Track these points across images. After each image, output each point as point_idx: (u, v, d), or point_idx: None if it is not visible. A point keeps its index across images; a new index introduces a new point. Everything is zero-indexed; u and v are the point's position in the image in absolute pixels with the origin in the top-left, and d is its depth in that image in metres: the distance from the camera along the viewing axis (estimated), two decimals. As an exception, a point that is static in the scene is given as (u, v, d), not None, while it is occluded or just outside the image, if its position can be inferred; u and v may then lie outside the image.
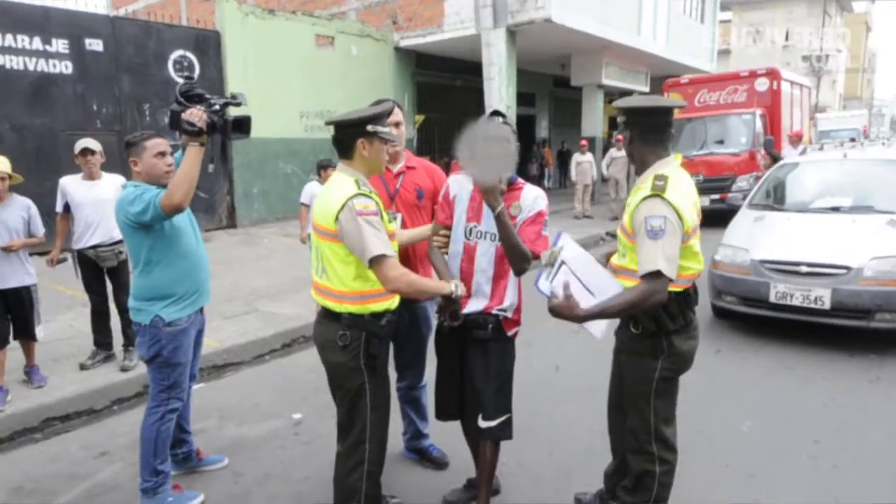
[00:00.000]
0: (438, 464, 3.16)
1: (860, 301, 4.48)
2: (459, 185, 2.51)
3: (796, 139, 11.87)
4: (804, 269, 4.68)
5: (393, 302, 2.33)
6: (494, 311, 2.47)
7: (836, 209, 5.48)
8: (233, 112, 2.72)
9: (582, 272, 2.19)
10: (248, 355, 4.97)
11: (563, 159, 18.09)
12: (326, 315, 2.30)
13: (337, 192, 2.17)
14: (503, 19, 9.94)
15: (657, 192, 2.11)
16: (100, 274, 4.51)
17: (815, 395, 3.94)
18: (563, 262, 2.19)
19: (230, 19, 10.42)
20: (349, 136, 2.23)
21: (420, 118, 13.85)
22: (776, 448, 3.28)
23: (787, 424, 3.55)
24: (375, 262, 2.11)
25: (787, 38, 37.21)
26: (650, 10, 15.37)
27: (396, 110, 2.74)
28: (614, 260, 2.39)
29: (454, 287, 2.28)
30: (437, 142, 14.08)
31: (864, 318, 4.51)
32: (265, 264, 7.97)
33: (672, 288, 2.16)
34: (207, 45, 10.24)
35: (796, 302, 4.66)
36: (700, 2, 19.04)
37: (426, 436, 3.23)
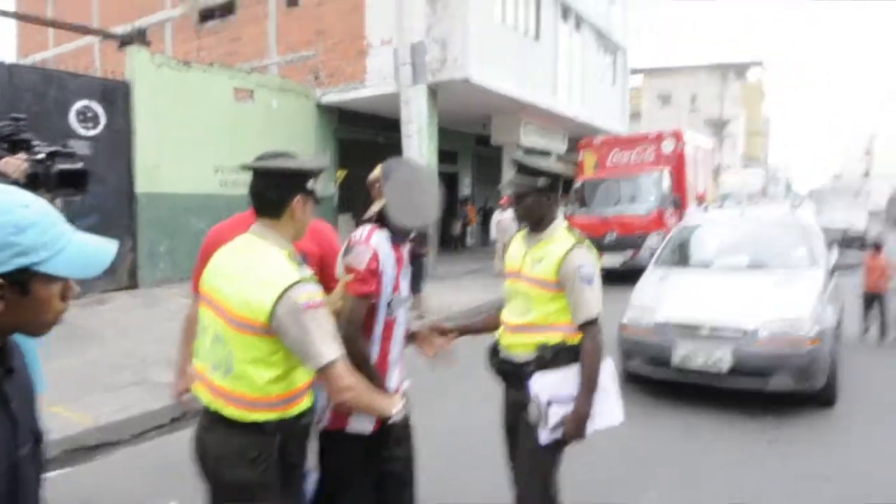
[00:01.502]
0: None
1: (757, 363, 4.59)
2: (385, 253, 2.09)
3: (700, 198, 12.58)
4: (705, 331, 4.79)
5: (312, 395, 1.92)
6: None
7: (734, 268, 5.71)
8: (70, 164, 2.38)
9: (562, 393, 2.19)
10: (128, 433, 4.51)
11: (487, 217, 18.39)
12: (220, 421, 1.77)
13: (267, 273, 1.70)
14: (422, 77, 10.13)
15: (581, 241, 2.25)
16: None
17: (718, 458, 3.96)
18: (548, 403, 2.18)
19: (142, 70, 10.07)
20: (284, 191, 1.79)
21: (342, 174, 13.76)
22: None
23: (687, 494, 3.52)
24: (327, 370, 1.70)
25: (692, 103, 40.19)
26: (565, 74, 16.16)
27: None
28: (511, 319, 2.34)
29: (395, 409, 1.92)
30: (358, 198, 13.97)
31: (761, 381, 4.60)
32: (166, 327, 7.42)
33: (572, 339, 2.20)
34: (115, 95, 9.82)
35: (698, 364, 4.72)
36: (611, 67, 20.28)
37: None
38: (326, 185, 12.78)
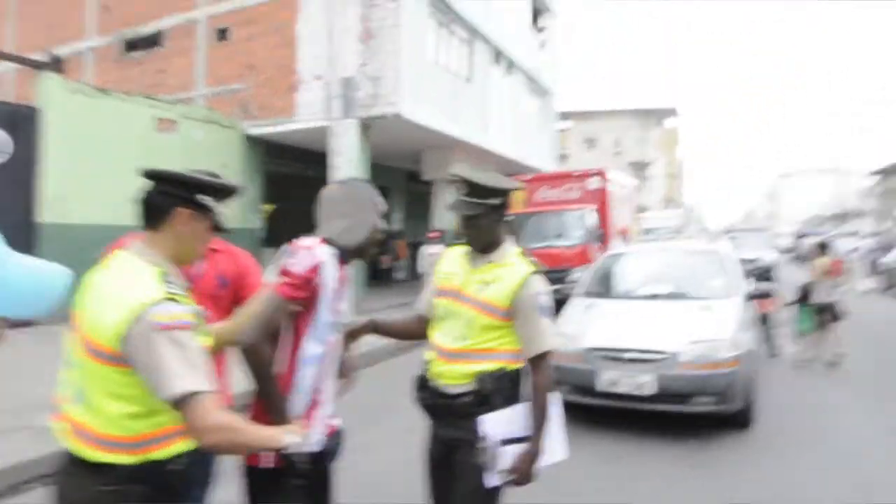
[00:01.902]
0: None
1: (680, 386, 4.67)
2: (329, 268, 1.88)
3: (623, 233, 13.04)
4: (629, 355, 4.86)
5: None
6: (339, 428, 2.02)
7: (656, 296, 5.87)
8: None
9: (513, 432, 2.05)
10: (5, 483, 4.04)
11: (416, 251, 18.37)
12: (76, 464, 1.54)
13: (126, 291, 1.49)
14: (353, 111, 10.15)
15: (537, 268, 2.11)
16: None
17: (644, 484, 3.95)
18: (500, 444, 2.03)
19: (53, 95, 9.57)
20: (167, 198, 1.60)
21: (269, 207, 13.45)
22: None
23: None
24: (181, 403, 1.42)
25: (616, 146, 42.15)
26: (496, 114, 16.59)
27: None
28: (445, 343, 2.13)
29: (289, 438, 1.62)
30: (285, 232, 13.65)
31: (684, 403, 4.69)
32: (57, 367, 6.86)
33: (514, 364, 2.09)
34: (20, 121, 9.24)
35: (623, 389, 4.77)
36: (541, 110, 21.02)
37: None
38: (249, 217, 12.42)
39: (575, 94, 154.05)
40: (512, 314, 2.08)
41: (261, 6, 12.90)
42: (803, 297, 7.49)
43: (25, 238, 9.32)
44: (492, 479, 2.03)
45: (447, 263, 2.31)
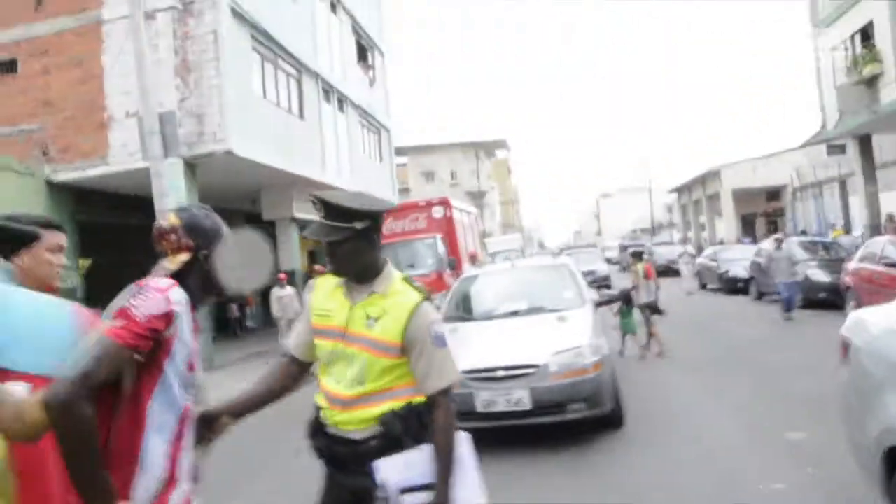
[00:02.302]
0: None
1: (553, 396, 4.67)
2: (184, 317, 1.54)
3: (472, 258, 13.32)
4: (501, 373, 4.76)
5: None
6: None
7: (515, 313, 5.89)
8: None
9: (415, 479, 1.78)
10: None
11: (265, 295, 17.32)
12: None
13: None
14: (175, 149, 9.25)
15: (426, 295, 1.92)
16: None
17: (530, 499, 3.83)
18: (400, 492, 1.76)
19: None
20: None
21: (85, 262, 11.80)
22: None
23: None
24: None
25: (452, 178, 43.80)
26: (332, 149, 16.29)
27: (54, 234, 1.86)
28: (341, 391, 1.86)
29: None
30: (108, 288, 12.07)
31: (560, 412, 4.69)
32: None
33: (417, 399, 1.86)
34: None
35: (500, 407, 4.66)
36: (377, 145, 21.09)
37: None
38: (63, 275, 10.79)
39: (410, 128, 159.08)
40: (406, 349, 1.85)
41: (55, 35, 11.43)
42: (627, 300, 8.19)
43: None
44: None
45: (320, 298, 2.01)
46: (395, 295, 1.91)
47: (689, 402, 5.90)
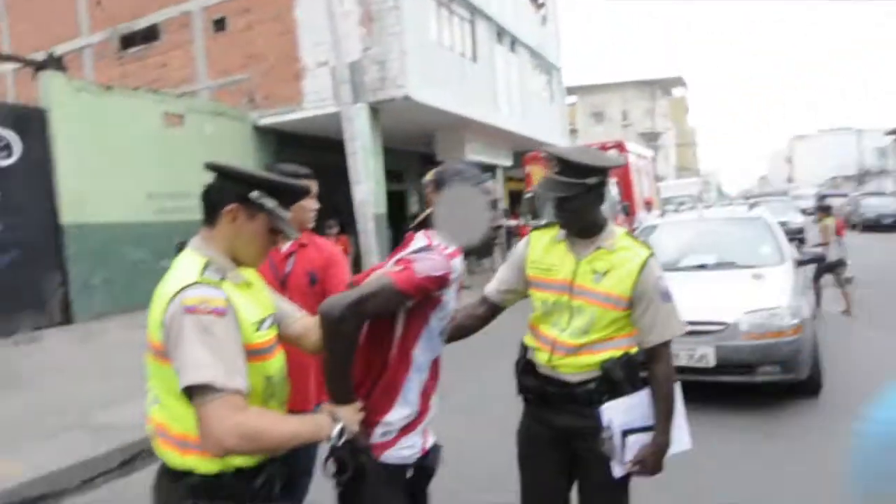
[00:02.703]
0: None
1: (742, 356, 4.44)
2: (457, 274, 1.69)
3: (648, 205, 12.72)
4: (686, 328, 4.59)
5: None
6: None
7: (702, 266, 5.58)
8: None
9: (636, 422, 1.92)
10: (75, 480, 3.97)
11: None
12: (166, 473, 1.46)
13: (171, 282, 1.41)
14: (362, 96, 9.85)
15: (653, 252, 1.96)
16: None
17: (706, 456, 3.70)
18: (623, 434, 1.89)
19: (58, 95, 9.33)
20: (222, 193, 1.50)
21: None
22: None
23: (675, 490, 3.25)
24: (196, 395, 1.30)
25: (624, 119, 41.55)
26: (504, 92, 16.24)
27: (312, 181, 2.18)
28: (566, 339, 1.94)
29: (337, 429, 1.49)
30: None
31: (748, 374, 4.46)
32: (106, 365, 6.72)
33: (633, 348, 1.95)
34: (30, 123, 9.04)
35: (682, 362, 4.52)
36: (548, 86, 20.60)
37: None
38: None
39: (580, 68, 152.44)
40: (634, 303, 1.92)
41: (256, -6, 12.56)
42: (820, 258, 7.38)
43: (53, 240, 9.18)
44: (616, 470, 1.90)
45: (539, 252, 2.08)
46: (623, 250, 1.95)
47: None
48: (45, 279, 9.11)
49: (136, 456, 4.32)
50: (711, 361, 4.45)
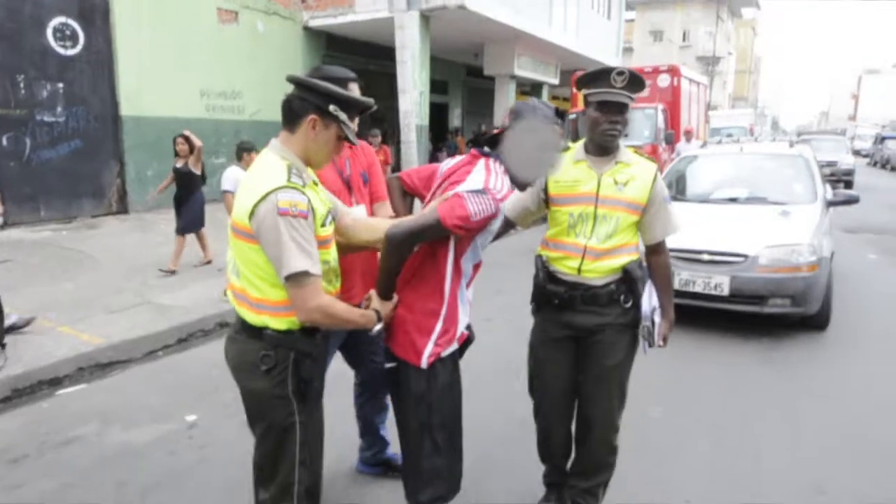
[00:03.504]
0: None
1: (755, 287, 4.70)
2: (503, 211, 1.98)
3: (688, 134, 12.53)
4: (706, 257, 4.86)
5: None
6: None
7: (733, 200, 5.75)
8: None
9: (653, 303, 2.37)
10: (139, 352, 4.55)
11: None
12: (243, 329, 1.83)
13: (261, 179, 1.71)
14: (417, 2, 9.78)
15: (657, 164, 2.33)
16: None
17: (716, 381, 4.08)
18: (651, 314, 2.34)
19: (119, -14, 9.54)
20: (304, 104, 1.77)
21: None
22: (682, 433, 3.35)
23: (689, 411, 3.64)
24: (293, 280, 1.67)
25: (684, 39, 39.41)
26: (561, 3, 15.69)
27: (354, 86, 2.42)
28: (594, 244, 2.25)
29: (377, 327, 1.90)
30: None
31: (759, 304, 4.74)
32: (160, 252, 7.38)
33: (637, 254, 2.33)
34: (94, 13, 9.32)
35: (698, 288, 4.83)
36: (606, 0, 19.70)
37: (389, 443, 2.91)
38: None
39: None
40: (646, 207, 2.27)
41: None
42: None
43: (112, 131, 9.71)
44: (646, 347, 2.36)
45: (559, 172, 2.31)
46: (636, 164, 2.28)
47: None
48: (104, 169, 9.68)
49: (191, 335, 4.92)
50: (725, 290, 4.73)
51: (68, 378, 4.12)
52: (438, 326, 1.96)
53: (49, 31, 8.84)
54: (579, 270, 2.29)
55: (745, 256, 4.75)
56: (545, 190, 2.37)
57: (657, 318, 2.36)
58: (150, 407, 3.71)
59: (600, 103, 2.18)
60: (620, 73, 2.15)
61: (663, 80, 13.02)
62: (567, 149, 2.35)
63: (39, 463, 3.10)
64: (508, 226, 2.49)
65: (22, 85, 8.65)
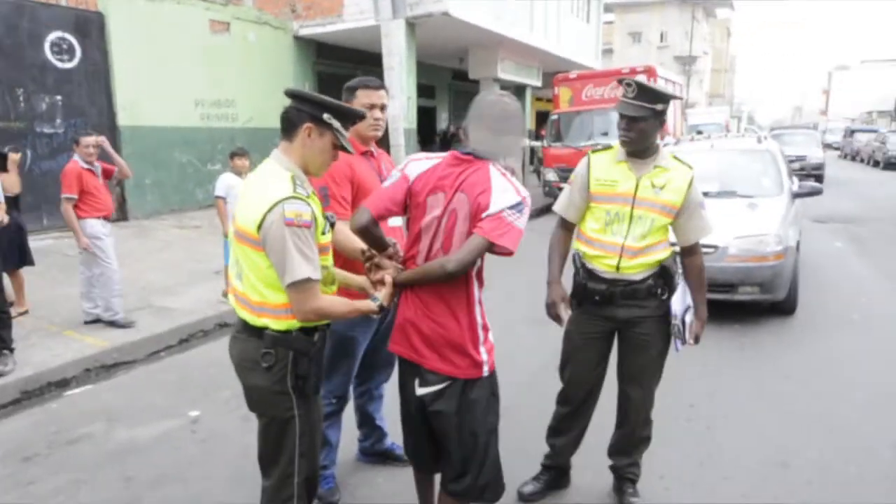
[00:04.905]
0: (406, 461, 2.65)
1: (726, 276, 5.07)
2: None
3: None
4: (677, 248, 5.24)
5: None
6: None
7: (705, 194, 6.10)
8: None
9: (685, 303, 2.49)
10: (142, 353, 4.78)
11: (462, 150, 18.54)
12: (245, 329, 1.95)
13: (267, 190, 1.81)
14: (402, 11, 10.11)
15: (693, 170, 2.43)
16: None
17: (691, 363, 4.28)
18: (683, 313, 2.47)
19: (114, 0, 9.80)
20: (300, 114, 1.88)
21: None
22: (656, 412, 3.69)
23: (665, 391, 3.97)
24: (295, 287, 1.79)
25: (661, 40, 40.19)
26: (541, 9, 16.11)
27: (381, 93, 2.55)
28: (631, 243, 2.38)
29: (377, 301, 2.00)
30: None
31: (729, 292, 5.11)
32: (160, 257, 7.64)
33: (670, 251, 2.46)
34: (89, 27, 9.57)
35: (674, 277, 5.21)
36: (585, 3, 20.18)
37: (387, 434, 3.05)
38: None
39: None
40: (681, 210, 2.40)
41: None
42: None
43: (110, 141, 9.89)
44: (679, 346, 2.51)
45: (601, 170, 2.46)
46: (674, 169, 2.39)
47: (874, 299, 5.87)
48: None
49: (192, 336, 5.17)
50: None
51: (75, 379, 4.30)
52: (481, 334, 2.03)
53: (47, 46, 9.07)
54: (618, 268, 2.42)
55: (716, 247, 5.09)
56: (587, 187, 2.49)
57: (689, 318, 2.47)
58: (154, 405, 3.88)
59: (619, 113, 2.36)
60: (629, 84, 2.30)
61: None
62: (609, 147, 2.50)
63: (50, 460, 3.23)
64: (572, 228, 2.64)
65: (21, 98, 8.88)
